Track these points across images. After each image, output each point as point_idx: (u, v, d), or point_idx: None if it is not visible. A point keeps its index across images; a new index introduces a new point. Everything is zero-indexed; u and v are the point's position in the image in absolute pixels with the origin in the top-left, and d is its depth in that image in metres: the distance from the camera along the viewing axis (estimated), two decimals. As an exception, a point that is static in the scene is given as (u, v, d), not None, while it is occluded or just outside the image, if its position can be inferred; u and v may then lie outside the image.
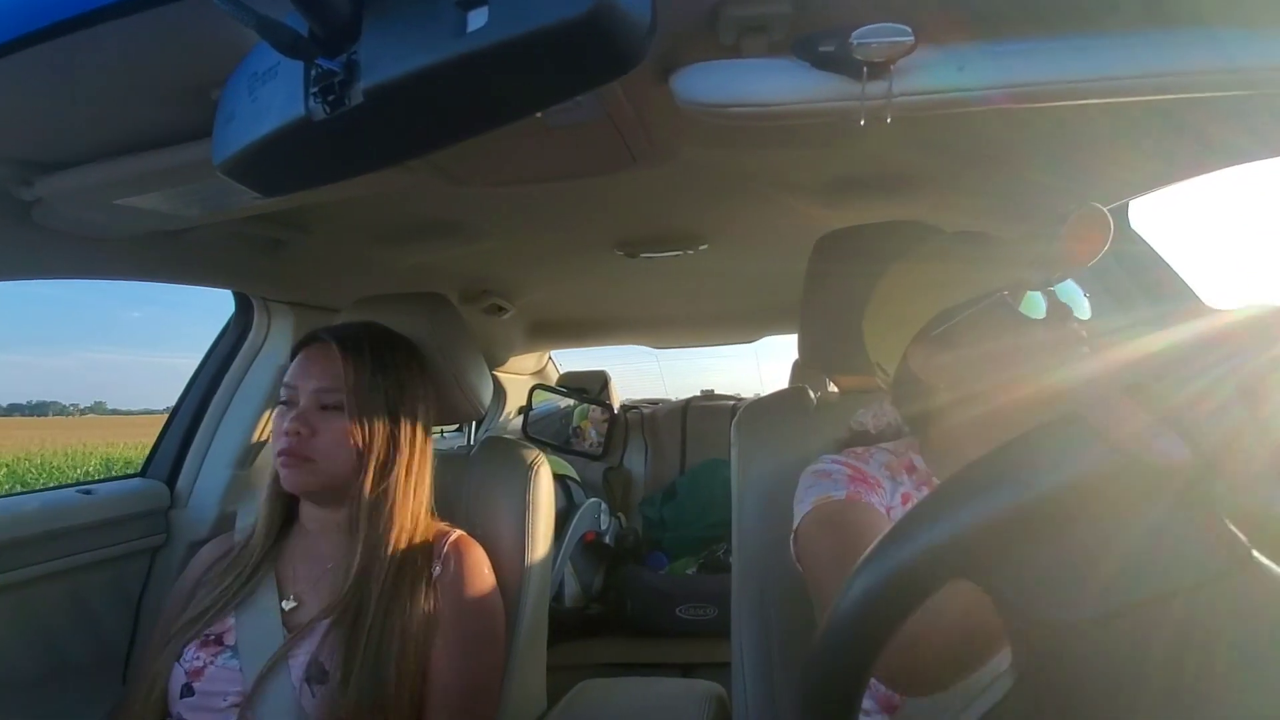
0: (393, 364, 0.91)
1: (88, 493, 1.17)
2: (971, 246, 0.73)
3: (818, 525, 0.71)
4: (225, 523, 1.30)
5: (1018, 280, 0.68)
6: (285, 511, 0.91)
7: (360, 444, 0.86)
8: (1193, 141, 0.81)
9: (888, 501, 0.74)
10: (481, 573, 0.89)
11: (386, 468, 0.87)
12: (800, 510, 0.74)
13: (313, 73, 0.39)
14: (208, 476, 1.32)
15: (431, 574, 0.85)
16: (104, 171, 0.69)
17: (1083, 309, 0.71)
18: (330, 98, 0.38)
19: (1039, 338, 0.68)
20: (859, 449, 0.81)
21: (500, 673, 0.90)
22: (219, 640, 0.81)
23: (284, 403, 0.88)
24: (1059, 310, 0.69)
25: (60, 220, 0.79)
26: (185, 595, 0.88)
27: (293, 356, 0.92)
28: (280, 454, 0.85)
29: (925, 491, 0.76)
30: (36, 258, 0.90)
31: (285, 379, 0.89)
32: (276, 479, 0.89)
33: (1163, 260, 1.15)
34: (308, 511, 0.90)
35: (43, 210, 0.76)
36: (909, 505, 0.74)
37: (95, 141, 0.68)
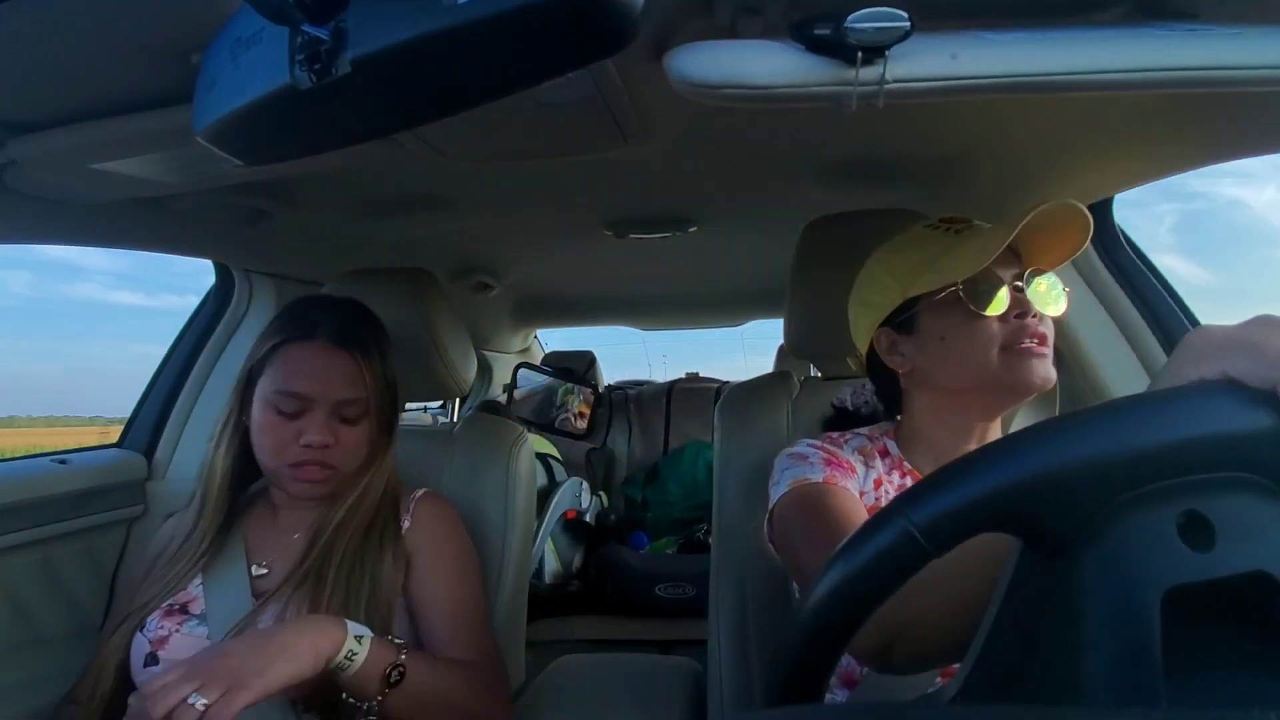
0: (390, 356, 0.91)
1: (63, 462, 1.15)
2: (946, 235, 0.74)
3: (794, 506, 0.72)
4: (204, 495, 1.29)
5: (985, 273, 0.68)
6: (245, 485, 0.90)
7: (374, 445, 0.87)
8: (1182, 137, 0.82)
9: (861, 486, 0.76)
10: (451, 519, 0.92)
11: (382, 455, 0.89)
12: (776, 492, 0.75)
13: (298, 40, 0.38)
14: (186, 448, 1.31)
15: (400, 528, 0.87)
16: (80, 135, 0.67)
17: (1057, 304, 0.71)
18: (316, 66, 0.38)
19: (991, 332, 0.69)
20: (835, 434, 0.82)
21: (486, 604, 0.92)
22: (184, 609, 0.80)
23: (288, 406, 0.82)
24: (1020, 305, 0.69)
25: (34, 184, 0.77)
26: (147, 569, 0.88)
27: (276, 345, 0.85)
28: (299, 465, 0.82)
29: (897, 476, 0.78)
30: (8, 222, 0.88)
31: (287, 385, 0.82)
32: (236, 460, 0.88)
33: (1142, 255, 1.17)
34: (281, 492, 0.89)
35: (15, 173, 0.74)
36: (880, 490, 0.76)
37: (71, 103, 0.66)
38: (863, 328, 0.81)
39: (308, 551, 0.82)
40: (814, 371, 1.10)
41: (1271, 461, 0.31)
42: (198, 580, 0.82)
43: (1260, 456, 0.31)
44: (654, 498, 2.22)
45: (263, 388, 0.84)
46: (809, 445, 0.78)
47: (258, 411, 0.85)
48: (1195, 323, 1.13)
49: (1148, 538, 0.31)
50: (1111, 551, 0.31)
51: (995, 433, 0.78)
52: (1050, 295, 0.71)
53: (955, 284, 0.70)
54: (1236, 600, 0.29)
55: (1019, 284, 0.70)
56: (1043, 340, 0.70)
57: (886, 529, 0.34)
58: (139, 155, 0.72)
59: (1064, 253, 0.71)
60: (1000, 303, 0.69)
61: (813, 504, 0.70)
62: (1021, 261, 0.72)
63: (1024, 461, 0.33)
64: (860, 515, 0.69)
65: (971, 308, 0.69)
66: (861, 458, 0.78)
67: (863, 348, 0.82)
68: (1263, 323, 0.34)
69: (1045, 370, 0.69)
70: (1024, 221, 0.65)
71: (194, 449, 1.31)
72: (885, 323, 0.78)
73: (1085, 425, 0.33)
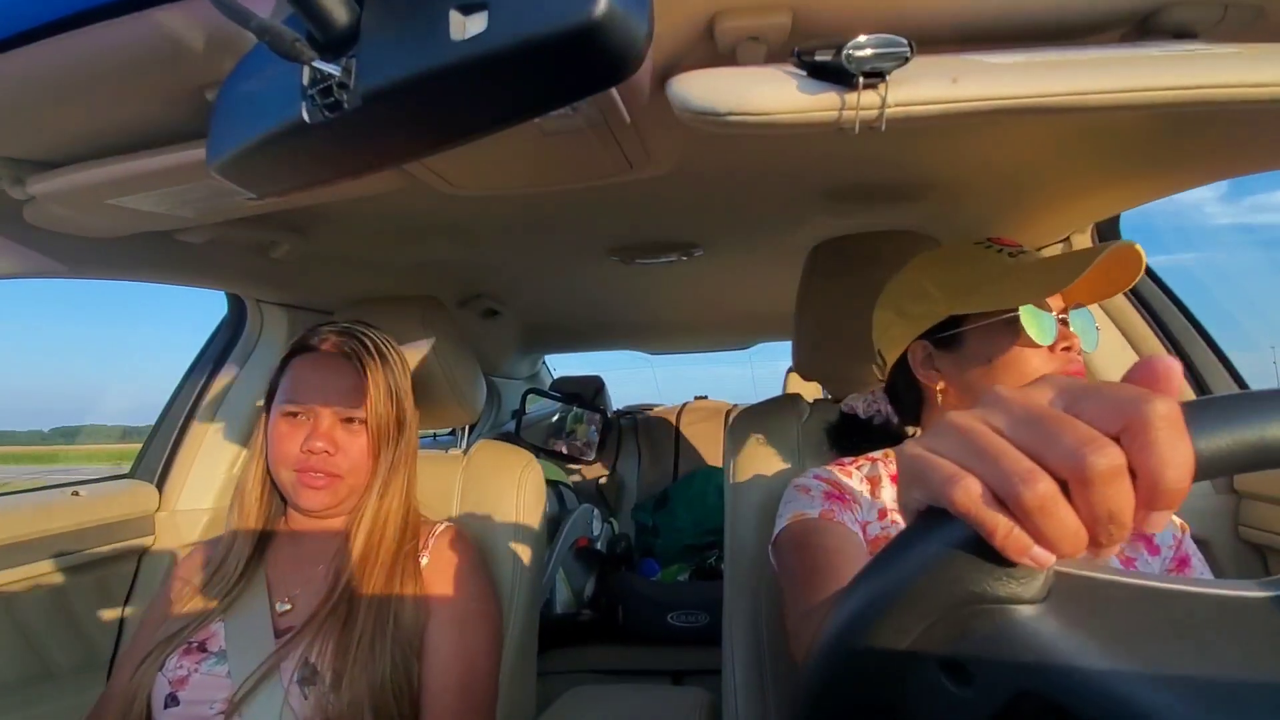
0: (397, 370, 0.92)
1: (75, 494, 1.16)
2: (1001, 256, 0.74)
3: (790, 542, 0.72)
4: (215, 525, 1.29)
5: (1039, 303, 0.69)
6: (272, 515, 0.90)
7: (378, 458, 0.88)
8: (1184, 155, 0.82)
9: (864, 517, 0.75)
10: (469, 557, 0.91)
11: (391, 474, 0.89)
12: (779, 524, 0.75)
13: (311, 76, 0.39)
14: (198, 478, 1.31)
15: (419, 564, 0.87)
16: (97, 171, 0.69)
17: (1091, 340, 0.72)
18: (328, 101, 0.38)
19: (1038, 362, 0.69)
20: (846, 460, 0.82)
21: (498, 652, 0.90)
22: (202, 647, 0.80)
23: (293, 414, 0.86)
24: (1066, 339, 0.70)
25: (51, 220, 0.79)
26: (168, 602, 0.87)
27: (286, 360, 0.90)
28: (301, 470, 0.84)
29: None
30: (27, 257, 0.89)
31: (290, 392, 0.86)
32: (265, 486, 0.89)
33: (1156, 276, 1.16)
34: (301, 519, 0.90)
35: (34, 209, 0.76)
36: (886, 519, 0.75)
37: (89, 141, 0.67)
38: (896, 337, 0.79)
39: (333, 586, 0.82)
40: (823, 392, 1.10)
41: (981, 579, 0.29)
42: (219, 617, 0.82)
43: (972, 577, 0.29)
44: (664, 523, 2.20)
45: (275, 403, 0.88)
46: (814, 477, 0.78)
47: (271, 426, 0.87)
48: (1211, 342, 1.12)
49: (926, 690, 0.30)
50: (914, 712, 0.31)
51: None
52: (1088, 331, 0.72)
53: (1014, 309, 0.69)
54: (1038, 714, 0.29)
55: (1063, 317, 0.70)
56: (1080, 374, 0.70)
57: None
58: (155, 190, 0.73)
59: (1107, 290, 0.72)
60: (1051, 334, 0.69)
61: (805, 541, 0.70)
62: (1064, 294, 0.72)
63: (815, 664, 0.34)
64: (851, 552, 0.68)
65: (1028, 335, 0.69)
66: (869, 485, 0.78)
67: (892, 357, 0.80)
68: (937, 431, 0.31)
69: None
70: (1098, 258, 0.65)
71: (205, 478, 1.32)
72: (924, 335, 0.76)
73: (836, 604, 0.34)
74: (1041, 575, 0.29)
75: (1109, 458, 0.26)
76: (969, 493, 0.28)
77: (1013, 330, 0.69)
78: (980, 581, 0.29)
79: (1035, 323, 0.69)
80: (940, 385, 0.76)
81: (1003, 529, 0.27)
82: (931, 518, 0.30)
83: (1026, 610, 0.29)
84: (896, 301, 0.80)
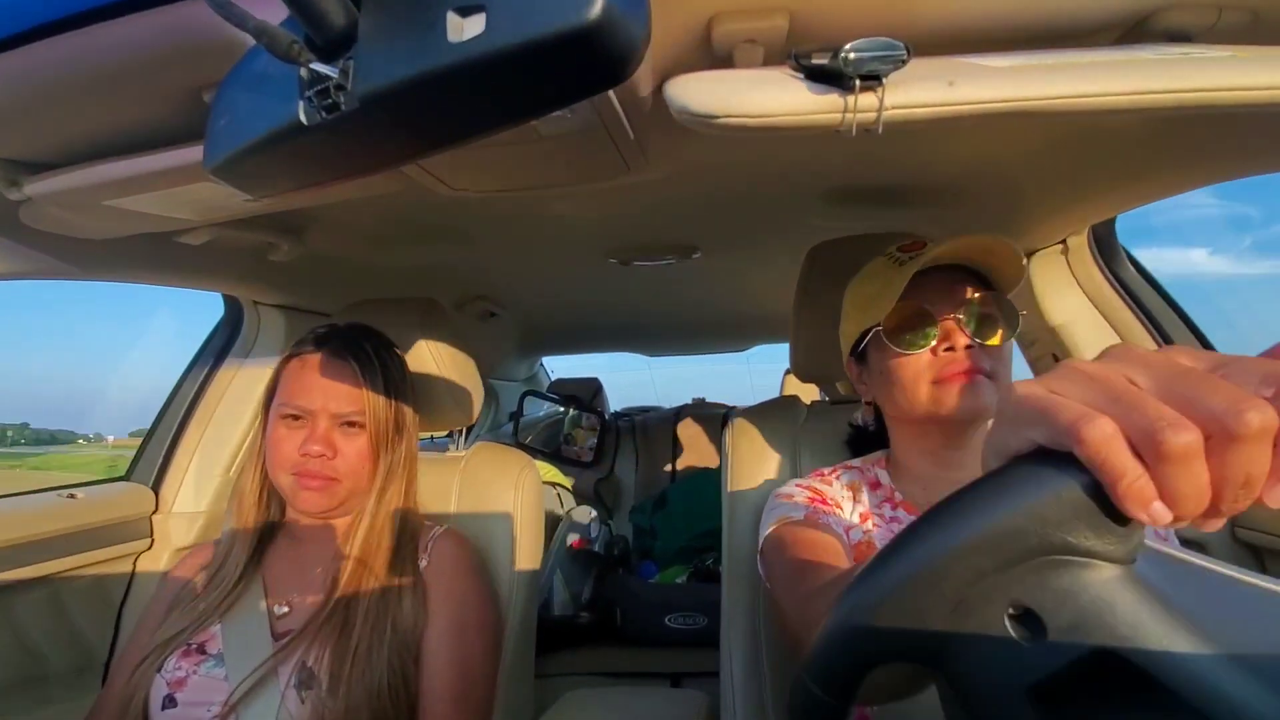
0: (396, 373, 0.91)
1: (72, 496, 1.15)
2: (892, 268, 0.75)
3: (777, 546, 0.72)
4: (211, 528, 1.29)
5: (910, 308, 0.70)
6: (270, 518, 0.90)
7: (377, 461, 0.87)
8: (1178, 158, 0.82)
9: (847, 522, 0.76)
10: (468, 561, 0.90)
11: (390, 477, 0.88)
12: (763, 532, 0.76)
13: (308, 77, 0.39)
14: (194, 481, 1.31)
15: (418, 567, 0.86)
16: (94, 172, 0.69)
17: (992, 331, 0.70)
18: (325, 102, 0.38)
19: (919, 366, 0.70)
20: (826, 470, 0.83)
21: (495, 658, 0.90)
22: (201, 649, 0.80)
23: (292, 417, 0.85)
24: (949, 338, 0.69)
25: (48, 221, 0.79)
26: (167, 603, 0.87)
27: (284, 362, 0.89)
28: (298, 474, 0.83)
29: (888, 508, 0.78)
30: (23, 258, 0.89)
31: (288, 395, 0.86)
32: (263, 489, 0.88)
33: (1144, 270, 1.17)
34: (300, 522, 0.89)
35: (31, 210, 0.76)
36: (867, 524, 0.76)
37: (86, 142, 0.67)
38: (844, 354, 0.83)
39: (331, 589, 0.81)
40: (821, 395, 1.10)
41: (1079, 529, 0.28)
42: (217, 619, 0.82)
43: (1070, 525, 0.28)
44: (662, 525, 2.20)
45: (273, 405, 0.88)
46: (796, 485, 0.79)
47: (269, 429, 0.87)
48: (1199, 334, 1.13)
49: (987, 640, 0.30)
50: (965, 661, 0.30)
51: (973, 458, 0.77)
52: (989, 324, 0.70)
53: (878, 323, 0.71)
54: (1105, 675, 0.28)
55: (957, 315, 0.69)
56: (970, 371, 0.68)
57: (793, 691, 0.35)
58: (151, 192, 0.73)
59: (1013, 280, 0.72)
60: (924, 338, 0.69)
61: (793, 541, 0.71)
62: (983, 285, 0.72)
63: (862, 593, 0.33)
64: (839, 549, 0.68)
65: (890, 346, 0.70)
66: (850, 493, 0.79)
67: (850, 375, 0.84)
68: (1060, 375, 0.30)
69: (973, 400, 0.67)
70: (925, 259, 0.67)
71: (202, 482, 1.31)
72: (851, 352, 0.80)
73: (898, 544, 0.33)
74: (1137, 537, 0.28)
75: (1266, 416, 0.25)
76: (1103, 431, 0.27)
77: (881, 340, 0.72)
78: (1078, 530, 0.28)
79: (902, 331, 0.70)
80: (869, 399, 0.81)
81: (1130, 475, 0.26)
82: (1038, 458, 0.29)
83: (1114, 570, 0.28)
84: (840, 324, 0.84)
